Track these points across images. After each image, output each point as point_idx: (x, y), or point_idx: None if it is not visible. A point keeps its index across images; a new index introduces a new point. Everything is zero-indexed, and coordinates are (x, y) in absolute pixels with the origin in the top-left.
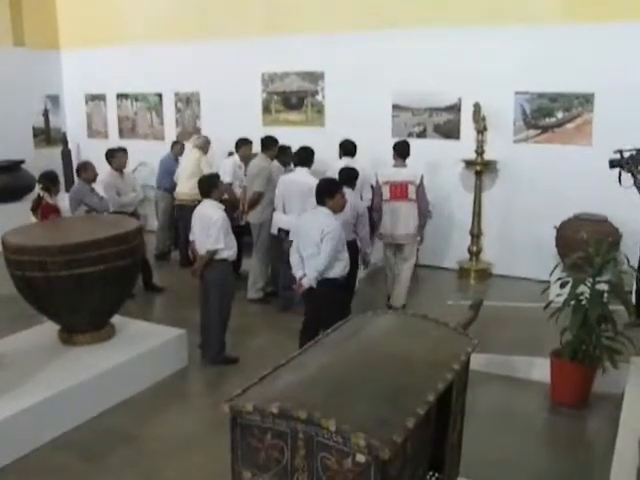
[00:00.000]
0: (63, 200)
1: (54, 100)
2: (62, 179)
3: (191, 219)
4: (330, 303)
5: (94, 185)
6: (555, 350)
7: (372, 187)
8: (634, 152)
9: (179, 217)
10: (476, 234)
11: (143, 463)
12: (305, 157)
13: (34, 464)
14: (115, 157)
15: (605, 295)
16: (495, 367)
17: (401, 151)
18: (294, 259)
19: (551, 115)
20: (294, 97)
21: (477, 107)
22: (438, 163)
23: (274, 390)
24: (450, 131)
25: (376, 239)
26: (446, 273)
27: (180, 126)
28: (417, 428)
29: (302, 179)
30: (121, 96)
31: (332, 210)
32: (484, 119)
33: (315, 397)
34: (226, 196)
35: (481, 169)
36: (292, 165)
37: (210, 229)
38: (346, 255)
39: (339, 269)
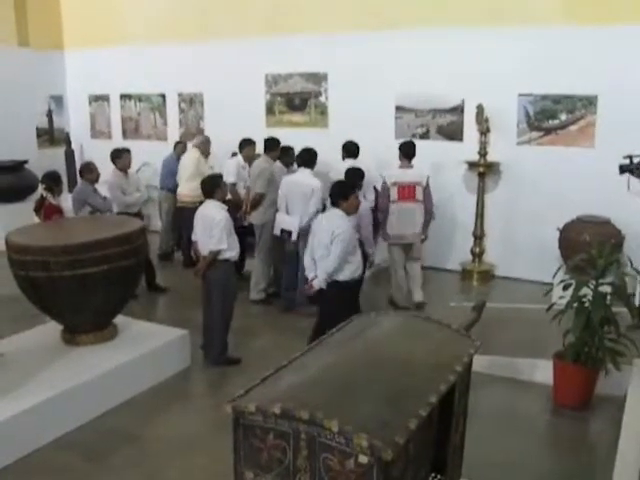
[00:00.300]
0: (66, 200)
1: (58, 100)
2: (65, 179)
3: (193, 220)
4: (339, 305)
5: (97, 186)
6: (558, 352)
7: (375, 188)
8: None
9: (181, 218)
10: (479, 236)
11: (146, 463)
12: (308, 158)
13: (37, 464)
14: (121, 157)
15: (608, 297)
16: (498, 369)
17: (407, 152)
18: (307, 260)
19: (554, 117)
20: (297, 98)
21: (480, 109)
22: (441, 165)
23: (276, 391)
24: (453, 133)
25: (379, 239)
26: (449, 275)
27: (183, 127)
28: (419, 429)
29: (305, 180)
30: (125, 97)
31: (346, 212)
32: (487, 121)
33: (317, 398)
34: (229, 196)
35: (484, 171)
36: (295, 166)
37: (213, 229)
38: (358, 258)
39: (349, 272)
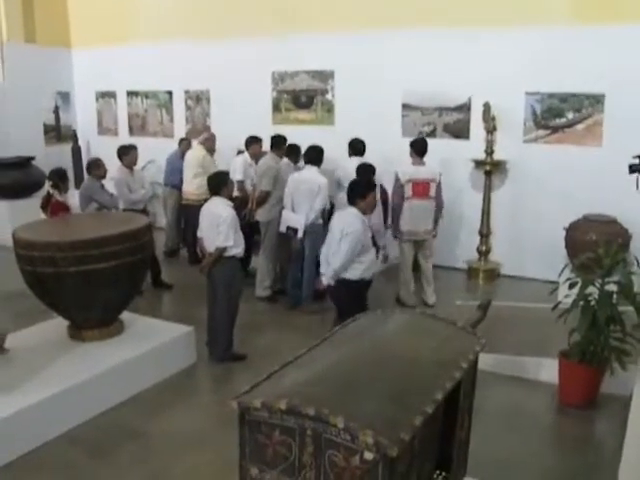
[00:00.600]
0: (73, 197)
1: (65, 97)
2: (72, 176)
3: (198, 217)
4: (348, 303)
5: (104, 182)
6: (563, 351)
7: (381, 186)
8: None
9: (186, 216)
10: (485, 234)
11: (151, 459)
12: (315, 156)
13: (42, 459)
14: (128, 154)
15: (614, 296)
16: (503, 367)
17: (419, 149)
18: (322, 256)
19: (561, 115)
20: (304, 96)
21: (487, 107)
22: (447, 163)
23: (282, 387)
24: (460, 131)
25: (390, 236)
26: (454, 273)
27: (190, 124)
28: (425, 426)
29: (311, 178)
30: (131, 93)
31: (362, 211)
32: (494, 119)
33: (323, 394)
34: (237, 193)
35: (491, 169)
36: (302, 163)
37: (220, 226)
38: (369, 258)
39: (358, 271)
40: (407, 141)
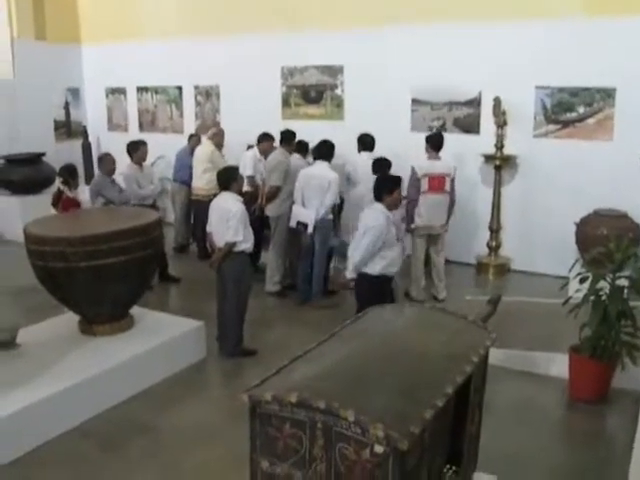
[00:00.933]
0: (83, 193)
1: (75, 93)
2: (82, 172)
3: (202, 213)
4: (369, 298)
5: (115, 177)
6: (574, 346)
7: None
8: None
9: (195, 211)
10: (495, 229)
11: (161, 453)
12: (325, 151)
13: (53, 453)
14: (138, 150)
15: (625, 291)
16: (513, 362)
17: (436, 143)
18: (349, 250)
19: (572, 110)
20: (313, 91)
21: (497, 101)
22: (457, 157)
23: (293, 380)
24: (470, 125)
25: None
26: (464, 268)
27: (200, 119)
28: (435, 420)
29: (322, 173)
30: (141, 89)
31: (388, 207)
32: (504, 113)
33: (334, 388)
34: (246, 188)
35: (501, 164)
36: (310, 159)
37: (229, 221)
38: (393, 255)
39: (380, 267)
40: (416, 136)
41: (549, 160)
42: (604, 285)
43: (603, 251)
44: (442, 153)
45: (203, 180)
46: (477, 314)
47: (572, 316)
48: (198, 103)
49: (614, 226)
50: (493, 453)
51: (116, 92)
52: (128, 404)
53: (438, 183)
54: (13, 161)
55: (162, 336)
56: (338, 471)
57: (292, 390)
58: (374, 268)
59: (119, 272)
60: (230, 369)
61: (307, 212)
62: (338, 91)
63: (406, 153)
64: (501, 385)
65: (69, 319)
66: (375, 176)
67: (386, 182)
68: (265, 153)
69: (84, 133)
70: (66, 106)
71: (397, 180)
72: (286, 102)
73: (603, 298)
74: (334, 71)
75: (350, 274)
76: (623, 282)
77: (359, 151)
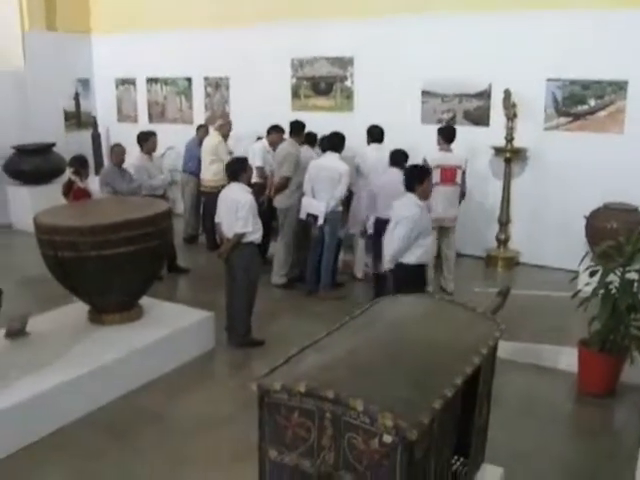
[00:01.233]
0: (93, 183)
1: (85, 84)
2: (92, 163)
3: (211, 204)
4: (406, 286)
5: (127, 168)
6: (583, 339)
7: None
8: None
9: (204, 203)
10: (504, 222)
11: (169, 442)
12: (336, 142)
13: (62, 441)
14: (148, 140)
15: (635, 284)
16: (522, 355)
17: (448, 135)
18: (385, 241)
19: (583, 102)
20: (323, 82)
21: (507, 94)
22: (467, 150)
23: (301, 370)
24: (480, 118)
25: None
26: (473, 261)
27: (209, 110)
28: (444, 411)
29: (332, 164)
30: (151, 80)
31: (420, 196)
32: (514, 106)
33: (342, 377)
34: (255, 180)
35: (511, 156)
36: (317, 150)
37: (238, 212)
38: (427, 242)
39: (415, 256)
40: (426, 128)
41: (559, 153)
42: (614, 279)
43: (613, 244)
44: (452, 145)
45: (210, 171)
46: (486, 306)
47: (581, 310)
48: (208, 94)
49: (624, 220)
50: (501, 446)
51: (126, 83)
52: (137, 393)
53: (450, 175)
54: (23, 151)
55: (171, 326)
56: (346, 460)
57: (301, 379)
58: (410, 257)
59: (129, 262)
60: (238, 359)
61: (317, 204)
62: (348, 83)
63: (416, 145)
64: (509, 378)
65: (79, 308)
66: (390, 168)
67: (416, 172)
68: (274, 145)
69: (94, 124)
70: (76, 97)
71: (427, 170)
72: (296, 94)
73: (613, 292)
74: (344, 63)
75: (387, 265)
76: (633, 276)
77: (368, 143)
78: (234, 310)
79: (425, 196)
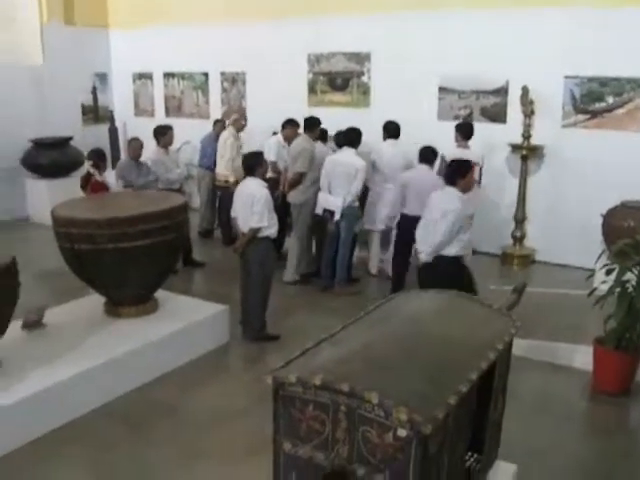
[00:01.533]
0: (110, 177)
1: (102, 78)
2: (109, 156)
3: (226, 199)
4: (446, 278)
5: (145, 162)
6: (598, 337)
7: None
8: None
9: (219, 197)
10: (520, 219)
11: (183, 434)
12: (354, 138)
13: (77, 432)
14: (165, 134)
15: None
16: (537, 353)
17: (465, 132)
18: (419, 234)
19: (601, 100)
20: (340, 78)
21: (525, 90)
22: (484, 147)
23: (317, 363)
24: (497, 114)
25: None
26: (488, 258)
27: (226, 105)
28: (458, 406)
29: (348, 160)
30: (168, 75)
31: (462, 190)
32: (532, 103)
33: (358, 371)
34: (269, 174)
35: (527, 154)
36: (331, 144)
37: (254, 207)
38: (465, 237)
39: (455, 249)
40: (443, 124)
41: (576, 150)
42: (630, 277)
43: (630, 243)
44: (469, 142)
45: (222, 167)
46: (502, 303)
47: (597, 308)
48: (224, 89)
49: None
50: (515, 443)
51: (143, 77)
52: (151, 386)
53: None
54: (41, 145)
55: (186, 319)
56: (361, 454)
57: (316, 372)
58: (450, 251)
59: (145, 254)
60: (253, 353)
61: (334, 199)
62: (364, 78)
63: (432, 141)
64: (524, 375)
65: (95, 301)
66: (419, 165)
67: (459, 166)
68: (289, 139)
69: (111, 118)
70: (94, 91)
71: (469, 164)
72: (312, 89)
73: (629, 290)
74: (361, 58)
75: (426, 257)
76: None
77: (384, 139)
78: (249, 305)
79: (467, 190)
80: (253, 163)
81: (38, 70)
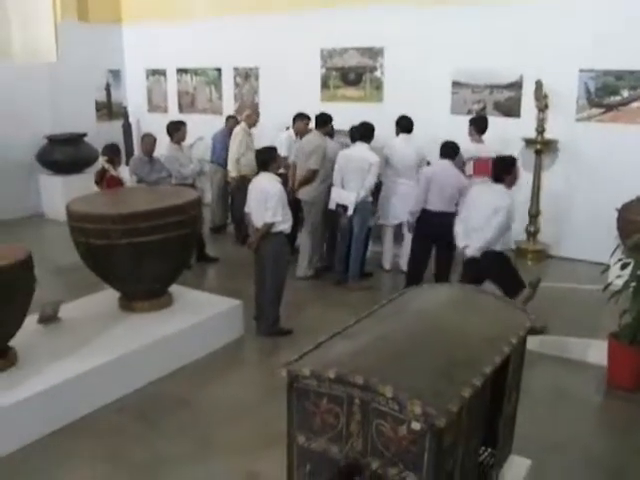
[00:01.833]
0: (124, 172)
1: (116, 75)
2: (122, 152)
3: (238, 194)
4: (497, 272)
5: (159, 157)
6: (613, 332)
7: (429, 163)
8: None
9: (232, 193)
10: (534, 214)
11: (198, 428)
12: (366, 133)
13: (91, 426)
14: (178, 130)
15: None
16: (551, 348)
17: (480, 126)
18: (459, 229)
19: (616, 93)
20: (353, 73)
21: (539, 84)
22: (498, 141)
23: (331, 356)
24: (510, 109)
25: None
26: None
27: (239, 101)
28: (472, 400)
29: (361, 155)
30: (181, 71)
31: (508, 185)
32: (546, 97)
33: (372, 364)
34: (282, 170)
35: (541, 148)
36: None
37: (268, 202)
38: (510, 232)
39: (500, 244)
40: (456, 119)
41: (591, 145)
42: None
43: None
44: (484, 137)
45: (232, 162)
46: (516, 297)
47: (612, 302)
48: (237, 85)
49: None
50: (529, 438)
51: (156, 74)
52: (165, 380)
53: (484, 167)
54: (56, 141)
55: (200, 314)
56: (375, 447)
57: (330, 366)
58: (496, 246)
59: (159, 249)
60: (266, 348)
61: (347, 194)
62: (377, 73)
63: (445, 136)
64: (538, 370)
65: (109, 295)
66: (440, 160)
67: (505, 163)
68: (300, 133)
69: (125, 114)
70: (107, 87)
71: (513, 159)
72: (325, 84)
73: None
74: (374, 53)
75: (475, 252)
76: None
77: (397, 134)
78: (263, 299)
79: (512, 185)
80: (267, 158)
81: (53, 67)
